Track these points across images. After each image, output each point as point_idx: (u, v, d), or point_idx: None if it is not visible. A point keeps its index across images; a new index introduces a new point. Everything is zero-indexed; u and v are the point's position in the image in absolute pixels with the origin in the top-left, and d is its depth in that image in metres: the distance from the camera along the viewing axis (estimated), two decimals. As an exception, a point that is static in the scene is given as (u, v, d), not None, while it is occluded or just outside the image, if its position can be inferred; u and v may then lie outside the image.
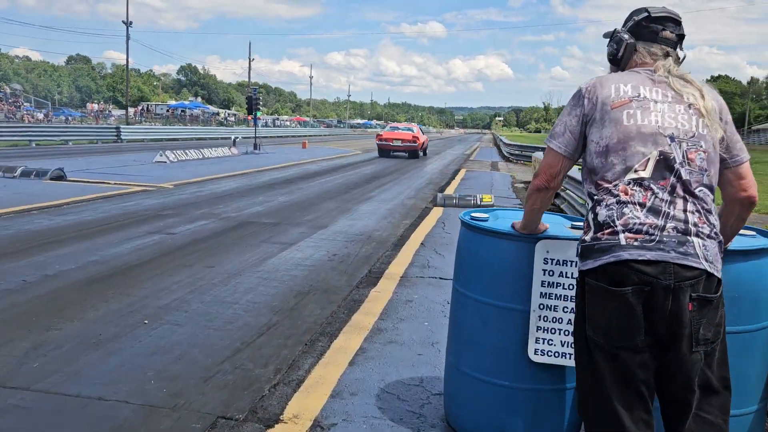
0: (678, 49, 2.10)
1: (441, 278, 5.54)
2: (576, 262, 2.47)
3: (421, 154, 26.12)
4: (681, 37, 2.10)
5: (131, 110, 58.36)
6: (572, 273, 2.46)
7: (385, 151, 25.25)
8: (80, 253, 5.95)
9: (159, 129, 37.58)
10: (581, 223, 2.75)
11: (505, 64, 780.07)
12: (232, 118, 71.73)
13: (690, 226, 1.84)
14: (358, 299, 4.84)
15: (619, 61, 2.15)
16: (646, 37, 2.09)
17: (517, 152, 26.14)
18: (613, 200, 1.91)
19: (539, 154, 15.15)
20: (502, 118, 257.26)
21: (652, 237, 1.83)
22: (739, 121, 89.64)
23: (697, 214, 1.86)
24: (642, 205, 1.87)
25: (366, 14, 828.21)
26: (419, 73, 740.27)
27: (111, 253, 6.01)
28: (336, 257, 6.30)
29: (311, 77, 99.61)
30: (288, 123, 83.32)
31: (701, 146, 1.92)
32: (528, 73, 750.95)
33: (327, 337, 3.98)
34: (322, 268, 5.80)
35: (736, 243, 2.31)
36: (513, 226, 2.52)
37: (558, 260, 2.46)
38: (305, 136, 54.66)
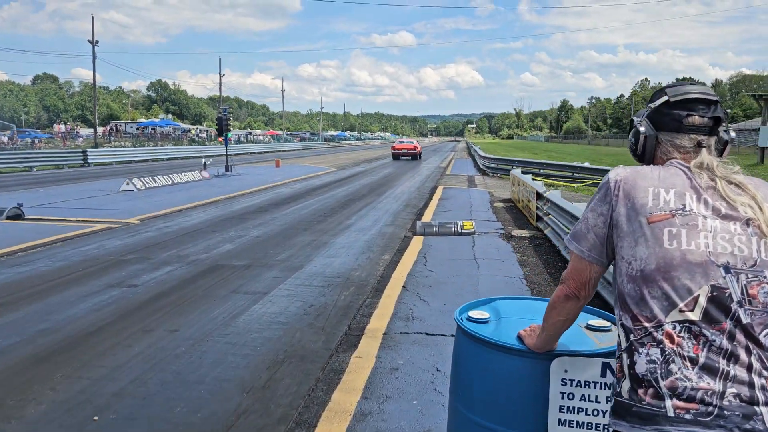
0: (718, 134, 1.69)
1: (427, 334, 5.10)
2: (603, 383, 2.07)
3: (419, 157, 39.95)
4: (717, 120, 1.67)
5: (100, 129, 57.16)
6: (596, 396, 2.04)
7: (396, 156, 39.31)
8: (29, 320, 5.38)
9: (128, 150, 36.69)
10: (601, 322, 2.34)
11: (475, 72, 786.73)
12: (204, 134, 70.75)
13: (757, 391, 1.42)
14: (337, 368, 4.38)
15: (642, 156, 1.74)
16: (669, 127, 1.67)
17: (492, 165, 25.88)
18: (656, 350, 1.48)
19: (517, 172, 14.84)
20: (474, 125, 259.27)
21: (709, 408, 1.40)
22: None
23: (765, 373, 1.44)
24: (693, 361, 1.44)
25: (335, 26, 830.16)
26: (391, 82, 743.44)
27: (65, 317, 5.45)
28: (312, 309, 5.82)
29: (283, 90, 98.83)
30: (261, 137, 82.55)
31: (765, 277, 1.49)
32: (498, 79, 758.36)
33: (304, 428, 3.50)
34: (297, 326, 5.32)
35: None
36: (521, 339, 2.08)
37: (579, 381, 2.03)
38: (278, 152, 54.14)
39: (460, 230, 10.01)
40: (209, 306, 5.87)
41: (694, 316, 1.46)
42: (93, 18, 43.87)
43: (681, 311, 1.47)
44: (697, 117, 1.64)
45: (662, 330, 1.48)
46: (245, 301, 6.06)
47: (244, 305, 5.90)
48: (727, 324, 1.45)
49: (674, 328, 1.47)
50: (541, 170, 21.65)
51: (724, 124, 1.68)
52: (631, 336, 1.55)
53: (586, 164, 20.69)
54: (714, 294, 1.46)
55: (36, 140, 46.46)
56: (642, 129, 1.70)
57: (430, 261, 7.97)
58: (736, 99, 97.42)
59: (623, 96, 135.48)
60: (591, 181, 18.50)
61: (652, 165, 1.69)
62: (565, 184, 19.28)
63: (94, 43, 43.43)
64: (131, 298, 6.12)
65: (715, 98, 1.66)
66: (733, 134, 1.71)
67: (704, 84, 1.74)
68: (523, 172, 15.55)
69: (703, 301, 1.46)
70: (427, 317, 5.54)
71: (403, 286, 6.65)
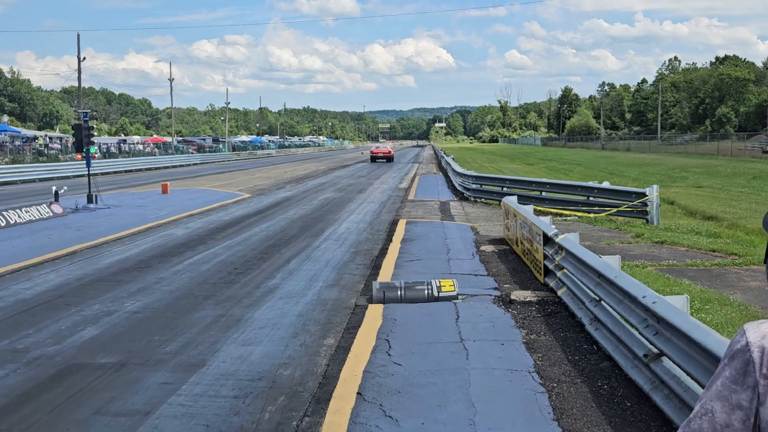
0: None
1: (400, 479, 4.73)
2: None
3: (392, 159, 67.03)
4: None
5: None
6: None
7: (374, 158, 66.10)
8: None
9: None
10: None
11: (442, 49, 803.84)
12: (57, 144, 69.25)
13: None
14: None
15: None
16: None
17: (474, 186, 25.88)
18: None
19: (511, 200, 14.73)
20: (444, 124, 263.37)
21: None
22: (759, 116, 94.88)
23: None
24: None
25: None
26: (325, 65, 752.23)
27: None
28: (221, 440, 5.39)
29: (171, 79, 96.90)
30: (141, 146, 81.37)
31: None
32: (474, 60, 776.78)
33: None
34: (198, 472, 4.88)
35: None
36: None
37: None
38: (167, 168, 53.43)
39: (436, 294, 9.74)
40: (59, 441, 5.36)
41: None
42: None
43: None
44: None
45: None
46: (115, 430, 5.58)
47: (113, 438, 5.43)
48: None
49: None
50: (543, 193, 21.79)
51: None
52: None
53: (606, 184, 20.88)
54: None
55: None
56: None
57: (396, 347, 7.66)
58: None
59: (646, 81, 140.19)
60: (615, 209, 18.64)
61: None
62: (579, 213, 19.39)
63: None
64: (-66, 431, 5.56)
65: None
66: None
67: None
68: (519, 199, 15.50)
69: None
70: (399, 448, 5.18)
71: (359, 393, 6.32)
